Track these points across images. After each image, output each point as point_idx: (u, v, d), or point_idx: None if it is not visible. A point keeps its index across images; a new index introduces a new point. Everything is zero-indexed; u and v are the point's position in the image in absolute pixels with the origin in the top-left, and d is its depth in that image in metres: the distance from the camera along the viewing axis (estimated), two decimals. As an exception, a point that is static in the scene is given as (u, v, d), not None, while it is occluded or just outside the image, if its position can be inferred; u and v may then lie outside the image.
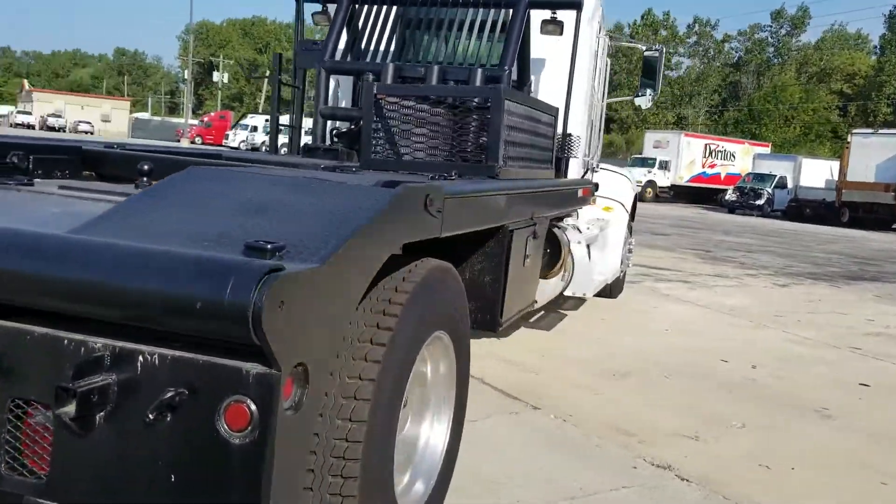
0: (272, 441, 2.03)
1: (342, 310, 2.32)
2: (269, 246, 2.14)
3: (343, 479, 2.67)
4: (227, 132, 63.20)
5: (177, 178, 2.79)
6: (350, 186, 2.65)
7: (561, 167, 6.31)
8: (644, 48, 9.25)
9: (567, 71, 6.43)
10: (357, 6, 6.55)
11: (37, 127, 77.89)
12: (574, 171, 6.66)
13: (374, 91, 4.24)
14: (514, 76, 6.56)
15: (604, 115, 9.22)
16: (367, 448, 2.68)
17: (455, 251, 4.02)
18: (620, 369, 6.62)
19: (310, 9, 6.92)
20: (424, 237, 2.90)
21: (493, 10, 6.28)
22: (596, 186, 6.96)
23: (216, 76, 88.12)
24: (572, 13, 6.62)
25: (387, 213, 2.51)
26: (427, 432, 3.52)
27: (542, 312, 8.33)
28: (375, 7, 6.51)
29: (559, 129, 6.04)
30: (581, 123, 6.93)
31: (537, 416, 5.29)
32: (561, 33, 6.46)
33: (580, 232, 7.21)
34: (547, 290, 6.48)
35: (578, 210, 8.89)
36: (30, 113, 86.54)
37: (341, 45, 6.39)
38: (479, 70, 5.90)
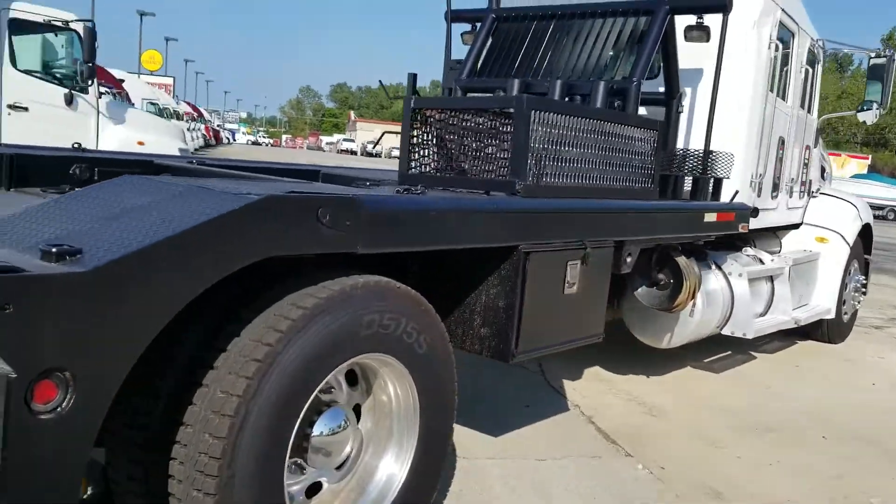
0: (14, 441, 2.03)
1: (140, 318, 2.25)
2: (54, 249, 2.16)
3: (203, 494, 2.60)
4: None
5: (102, 184, 2.91)
6: (214, 193, 2.58)
7: (676, 187, 5.63)
8: (872, 54, 7.97)
9: (720, 80, 5.75)
10: (500, 24, 6.41)
11: (357, 153, 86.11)
12: (735, 193, 5.89)
13: (412, 104, 4.10)
14: (661, 88, 6.05)
15: (811, 132, 8.08)
16: (231, 465, 2.58)
17: (461, 270, 3.77)
18: (768, 423, 5.71)
19: (459, 29, 6.88)
20: (317, 251, 2.73)
21: (632, 20, 5.80)
22: (754, 211, 6.08)
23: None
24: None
25: (226, 220, 2.40)
26: (386, 467, 3.30)
27: (728, 353, 7.51)
28: (516, 24, 6.32)
29: (679, 144, 5.39)
30: (742, 140, 6.14)
31: (622, 463, 4.73)
32: (707, 40, 5.79)
33: (741, 263, 6.38)
34: (682, 325, 5.81)
35: (779, 239, 8.01)
36: (353, 140, 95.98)
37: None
38: (602, 83, 5.47)
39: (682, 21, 5.77)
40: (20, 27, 9.60)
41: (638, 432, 5.25)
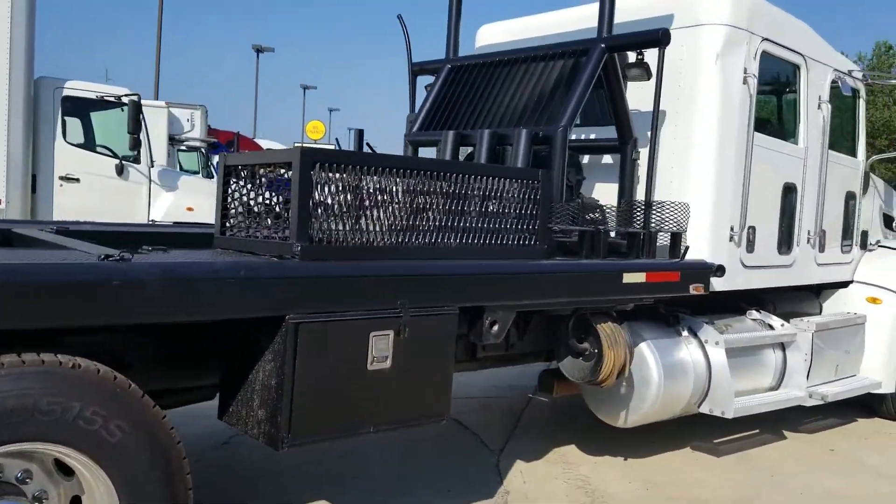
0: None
1: None
2: None
3: None
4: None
5: None
6: None
7: (649, 244, 4.91)
8: (920, 86, 6.86)
9: (661, 122, 5.08)
10: (456, 74, 6.04)
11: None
12: (685, 249, 5.12)
13: (224, 161, 3.79)
14: (616, 134, 5.43)
15: (853, 176, 7.02)
16: None
17: (240, 342, 3.38)
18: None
19: (424, 81, 6.54)
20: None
21: (570, 62, 5.26)
22: (719, 269, 5.22)
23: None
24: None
25: None
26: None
27: (755, 431, 6.53)
28: (468, 73, 5.93)
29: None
30: (710, 187, 5.36)
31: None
32: (649, 77, 5.15)
33: (723, 329, 5.52)
34: (638, 401, 5.07)
35: (818, 301, 6.97)
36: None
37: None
38: (525, 131, 4.97)
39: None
40: (74, 104, 10.20)
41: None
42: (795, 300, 6.76)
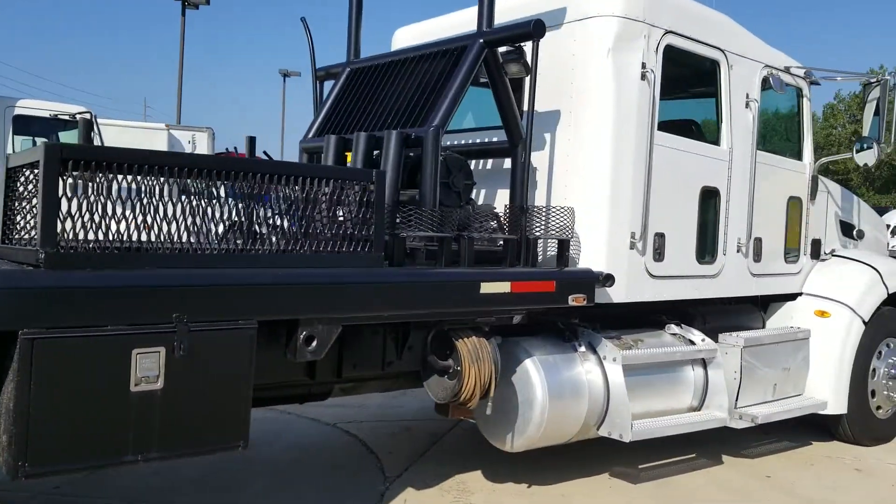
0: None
1: None
2: None
3: None
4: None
5: None
6: None
7: (527, 251, 4.52)
8: (864, 79, 6.36)
9: (533, 120, 4.71)
10: (354, 77, 5.73)
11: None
12: (564, 257, 4.74)
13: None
14: (507, 135, 5.07)
15: (799, 181, 6.53)
16: None
17: None
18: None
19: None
20: None
21: (451, 60, 4.92)
22: (608, 278, 4.79)
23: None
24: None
25: None
26: None
27: (691, 455, 6.04)
28: (363, 76, 5.62)
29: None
30: (604, 191, 4.96)
31: None
32: (528, 73, 4.78)
33: (627, 345, 5.09)
34: (523, 423, 4.65)
35: (760, 313, 6.48)
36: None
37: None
38: (395, 133, 4.64)
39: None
40: (26, 123, 10.11)
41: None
42: (732, 314, 6.27)
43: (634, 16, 5.00)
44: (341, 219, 3.74)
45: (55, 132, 10.39)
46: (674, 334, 5.61)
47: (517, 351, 4.78)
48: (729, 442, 6.41)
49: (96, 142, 10.45)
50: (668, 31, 5.20)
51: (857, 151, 6.38)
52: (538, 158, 5.21)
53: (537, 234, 4.65)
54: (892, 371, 6.77)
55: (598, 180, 4.97)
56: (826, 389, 6.34)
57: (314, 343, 3.63)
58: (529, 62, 4.73)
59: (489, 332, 4.47)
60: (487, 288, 4.13)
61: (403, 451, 5.99)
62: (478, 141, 5.60)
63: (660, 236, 5.27)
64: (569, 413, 4.80)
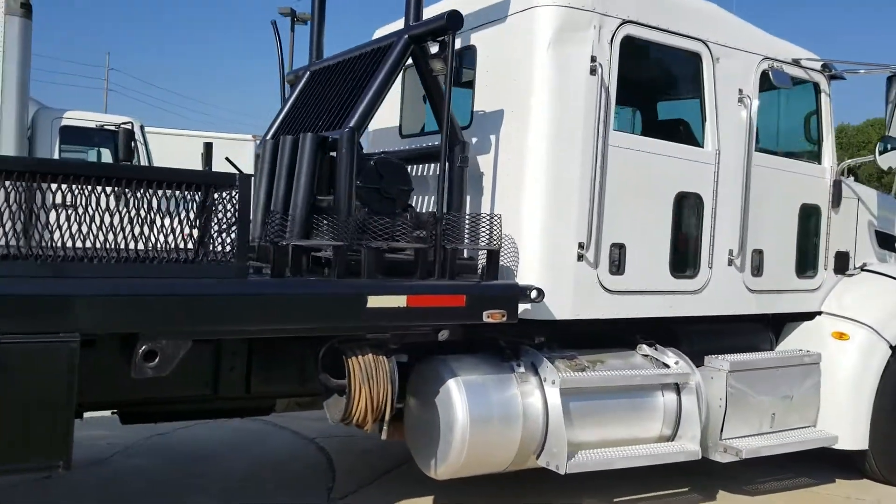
0: None
1: None
2: None
3: None
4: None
5: None
6: None
7: (446, 261, 4.16)
8: (890, 71, 5.58)
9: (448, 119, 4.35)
10: (312, 79, 5.55)
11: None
12: (481, 269, 4.36)
13: None
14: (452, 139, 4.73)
15: (816, 186, 5.82)
16: None
17: None
18: None
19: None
20: None
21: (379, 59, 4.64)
22: (537, 293, 4.33)
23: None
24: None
25: None
26: None
27: (684, 490, 5.50)
28: (318, 78, 5.42)
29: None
30: (540, 195, 4.53)
31: None
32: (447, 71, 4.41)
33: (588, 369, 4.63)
34: (444, 448, 4.30)
35: (769, 334, 5.84)
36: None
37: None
38: (310, 136, 4.40)
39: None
40: (73, 133, 10.45)
41: None
42: (728, 334, 5.64)
43: (580, 4, 4.55)
44: (197, 228, 3.50)
45: (103, 143, 10.71)
46: (645, 355, 5.08)
47: (442, 370, 4.41)
48: (736, 476, 5.78)
49: (141, 151, 10.72)
50: (626, 21, 4.71)
51: (881, 153, 5.63)
52: (485, 162, 4.84)
53: (458, 244, 4.26)
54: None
55: (532, 185, 4.54)
56: (840, 421, 5.61)
57: (157, 359, 3.40)
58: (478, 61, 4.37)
59: (394, 350, 4.13)
60: (376, 302, 3.80)
61: (363, 472, 5.70)
62: (422, 146, 5.26)
63: (618, 247, 4.77)
64: (497, 439, 4.38)
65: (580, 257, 4.60)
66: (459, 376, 4.36)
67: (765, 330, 5.87)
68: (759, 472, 5.95)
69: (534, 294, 4.28)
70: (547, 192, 4.53)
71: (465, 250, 4.57)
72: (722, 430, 5.14)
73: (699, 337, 5.46)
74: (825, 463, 5.99)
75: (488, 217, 4.36)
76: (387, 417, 4.04)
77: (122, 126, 10.31)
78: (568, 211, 4.57)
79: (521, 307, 4.48)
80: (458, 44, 5.09)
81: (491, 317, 4.12)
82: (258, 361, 4.19)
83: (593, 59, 4.58)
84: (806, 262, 5.83)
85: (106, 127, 10.61)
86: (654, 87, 5.59)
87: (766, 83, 5.43)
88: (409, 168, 4.90)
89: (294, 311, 3.69)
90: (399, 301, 3.87)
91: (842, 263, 6.05)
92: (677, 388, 4.97)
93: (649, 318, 5.08)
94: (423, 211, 5.03)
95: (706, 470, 5.49)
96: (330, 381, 4.05)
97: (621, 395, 4.80)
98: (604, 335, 5.15)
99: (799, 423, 5.53)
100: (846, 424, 5.61)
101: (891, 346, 5.69)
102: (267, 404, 4.88)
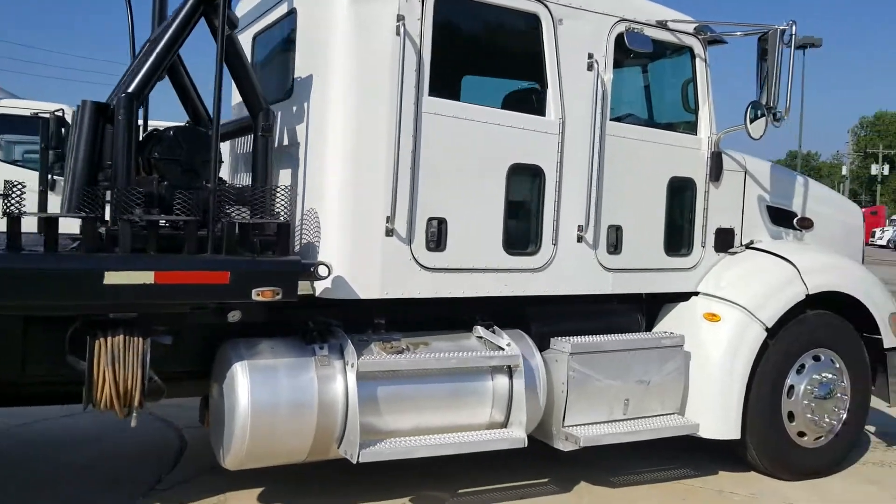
0: None
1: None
2: None
3: None
4: (874, 229, 57.00)
5: None
6: None
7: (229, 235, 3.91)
8: (760, 32, 5.17)
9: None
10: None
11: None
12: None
13: None
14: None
15: (692, 157, 5.46)
16: None
17: None
18: None
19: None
20: None
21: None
22: (318, 269, 4.04)
23: (874, 169, 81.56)
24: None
25: None
26: None
27: (543, 480, 5.22)
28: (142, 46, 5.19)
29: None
30: (337, 166, 4.26)
31: None
32: (234, 28, 4.17)
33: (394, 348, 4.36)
34: (228, 434, 4.07)
35: (638, 316, 5.51)
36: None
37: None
38: (88, 103, 4.19)
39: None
40: (8, 122, 10.36)
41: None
42: (587, 315, 5.32)
43: (382, -39, 4.26)
44: None
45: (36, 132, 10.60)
46: (479, 337, 4.78)
47: (231, 353, 4.16)
48: (616, 466, 5.49)
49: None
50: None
51: (752, 121, 5.24)
52: (300, 132, 4.57)
53: (235, 217, 4.01)
54: (819, 390, 5.55)
55: (332, 156, 4.27)
56: (709, 409, 5.27)
57: None
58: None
59: (162, 332, 3.87)
60: (115, 278, 3.54)
61: (207, 462, 5.46)
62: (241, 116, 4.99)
63: (438, 221, 4.47)
64: (287, 427, 4.11)
65: (389, 232, 4.31)
66: (246, 360, 4.10)
67: (634, 311, 5.53)
68: (641, 463, 5.64)
69: (321, 270, 4.00)
70: (348, 162, 4.25)
71: (273, 225, 4.29)
72: (564, 417, 4.82)
73: (553, 319, 5.16)
74: (720, 454, 5.64)
75: (276, 189, 4.09)
76: (135, 404, 3.78)
77: (54, 113, 10.18)
78: (373, 182, 4.27)
79: (321, 285, 4.23)
80: (284, 8, 4.87)
81: (262, 295, 3.85)
82: (29, 342, 3.96)
83: (399, 17, 4.27)
84: (679, 240, 5.48)
85: (41, 115, 10.50)
86: (488, 51, 5.26)
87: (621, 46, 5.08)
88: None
89: (20, 287, 3.46)
90: (145, 277, 3.61)
91: (724, 241, 5.68)
92: (510, 372, 4.66)
93: (492, 298, 4.80)
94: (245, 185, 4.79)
95: (588, 460, 5.23)
96: (78, 364, 3.80)
97: (442, 379, 4.51)
98: (453, 318, 4.87)
99: (660, 410, 5.18)
100: (716, 412, 5.26)
101: (767, 329, 5.32)
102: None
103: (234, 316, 4.12)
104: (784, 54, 5.01)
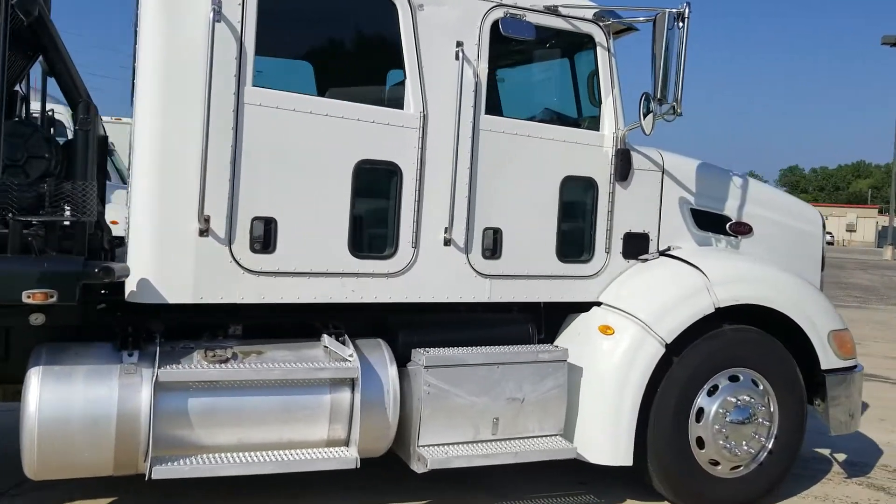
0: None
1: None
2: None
3: None
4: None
5: None
6: None
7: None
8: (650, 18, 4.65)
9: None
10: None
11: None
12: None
13: None
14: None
15: (593, 155, 4.98)
16: None
17: None
18: None
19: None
20: None
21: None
22: (101, 272, 3.75)
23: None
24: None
25: None
26: None
27: None
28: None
29: None
30: (144, 161, 3.99)
31: None
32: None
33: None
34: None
35: (528, 325, 5.08)
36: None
37: None
38: None
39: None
40: None
41: None
42: (461, 325, 4.90)
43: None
44: None
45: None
46: (326, 347, 4.44)
47: (32, 358, 3.95)
48: (502, 490, 5.08)
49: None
50: (263, -37, 4.09)
51: (645, 115, 4.73)
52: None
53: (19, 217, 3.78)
54: (734, 414, 4.98)
55: (139, 152, 4.02)
56: (597, 431, 4.78)
57: None
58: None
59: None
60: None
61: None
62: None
63: (265, 221, 4.16)
64: (81, 439, 3.85)
65: (203, 232, 4.03)
66: (43, 365, 3.89)
67: (525, 321, 5.08)
68: (541, 487, 5.20)
69: (97, 271, 3.73)
70: (154, 158, 3.99)
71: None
72: (419, 436, 4.43)
73: (425, 329, 4.77)
74: (632, 481, 5.16)
75: (74, 186, 3.86)
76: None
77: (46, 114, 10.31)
78: (184, 179, 3.99)
79: (127, 289, 3.99)
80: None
81: (33, 297, 3.61)
82: None
83: (214, 2, 3.98)
84: (576, 245, 5.01)
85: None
86: (333, 40, 4.90)
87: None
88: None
89: None
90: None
91: (636, 247, 5.17)
92: (353, 386, 4.31)
93: (359, 304, 4.47)
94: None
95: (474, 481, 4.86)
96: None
97: (269, 392, 4.19)
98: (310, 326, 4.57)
99: (537, 431, 4.72)
100: (606, 435, 4.77)
101: (665, 345, 4.79)
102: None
103: (36, 319, 3.91)
104: (674, 39, 4.49)
